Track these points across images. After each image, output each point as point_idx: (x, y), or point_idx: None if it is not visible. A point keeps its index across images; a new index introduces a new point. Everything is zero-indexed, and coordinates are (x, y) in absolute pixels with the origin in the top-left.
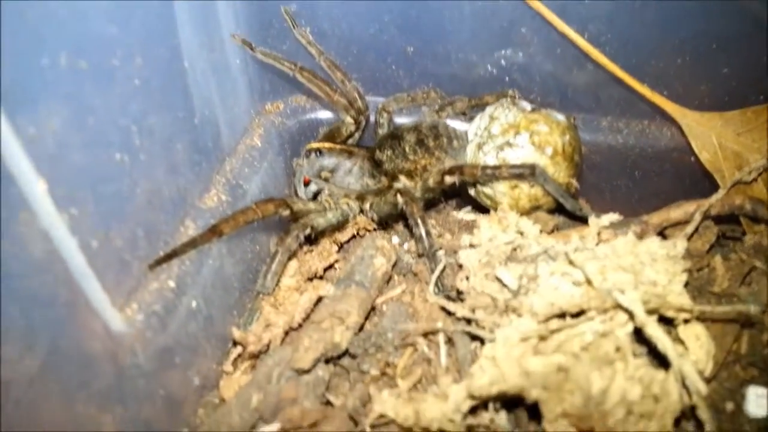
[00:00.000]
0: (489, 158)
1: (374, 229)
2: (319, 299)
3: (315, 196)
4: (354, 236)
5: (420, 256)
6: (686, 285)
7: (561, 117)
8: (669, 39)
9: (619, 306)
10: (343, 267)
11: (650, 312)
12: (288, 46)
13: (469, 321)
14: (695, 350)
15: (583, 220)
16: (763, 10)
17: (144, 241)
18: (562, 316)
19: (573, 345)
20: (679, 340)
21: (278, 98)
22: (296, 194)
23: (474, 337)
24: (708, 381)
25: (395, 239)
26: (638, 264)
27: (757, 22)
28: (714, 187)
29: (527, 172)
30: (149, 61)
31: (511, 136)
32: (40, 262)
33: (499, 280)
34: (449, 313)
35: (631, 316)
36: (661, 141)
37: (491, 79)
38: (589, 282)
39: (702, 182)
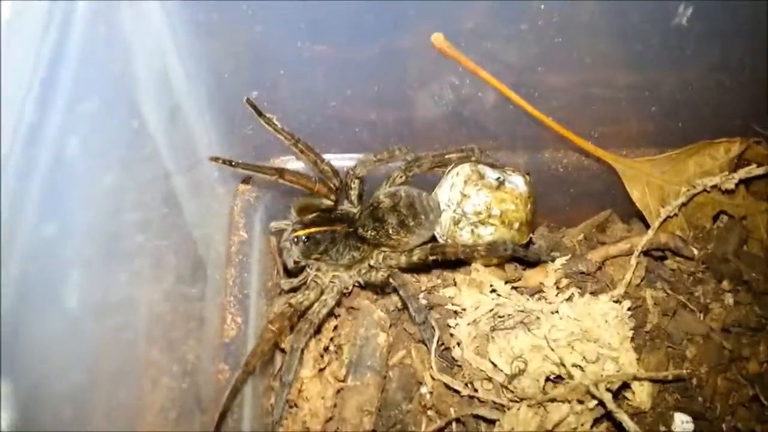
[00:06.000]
0: (464, 233)
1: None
2: (340, 389)
3: (302, 269)
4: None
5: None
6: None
7: (521, 183)
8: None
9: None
10: (345, 335)
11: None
12: (254, 126)
13: (471, 396)
14: (639, 394)
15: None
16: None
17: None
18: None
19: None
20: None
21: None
22: (284, 269)
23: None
24: (646, 412)
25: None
26: (596, 328)
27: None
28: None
29: (501, 249)
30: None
31: (484, 216)
32: None
33: (491, 361)
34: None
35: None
36: (594, 167)
37: (450, 131)
38: (563, 364)
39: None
